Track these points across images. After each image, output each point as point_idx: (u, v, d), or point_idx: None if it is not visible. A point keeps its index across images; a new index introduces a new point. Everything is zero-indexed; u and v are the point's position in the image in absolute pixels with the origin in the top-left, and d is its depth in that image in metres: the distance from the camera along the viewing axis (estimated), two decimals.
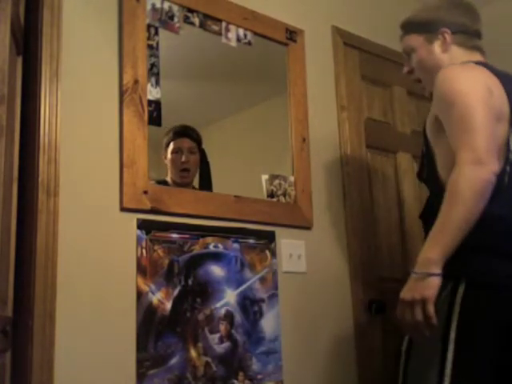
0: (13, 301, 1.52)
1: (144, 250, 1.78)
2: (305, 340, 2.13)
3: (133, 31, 1.88)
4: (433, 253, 1.38)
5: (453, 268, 1.40)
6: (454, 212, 1.37)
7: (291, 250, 2.16)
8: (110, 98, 1.82)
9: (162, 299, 1.78)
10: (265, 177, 2.16)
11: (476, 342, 1.42)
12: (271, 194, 2.15)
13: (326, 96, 2.44)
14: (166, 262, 1.82)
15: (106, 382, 1.65)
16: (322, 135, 2.37)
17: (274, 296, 2.06)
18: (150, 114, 1.88)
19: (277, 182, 2.18)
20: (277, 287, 2.08)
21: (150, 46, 1.92)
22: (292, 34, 2.33)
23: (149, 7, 1.94)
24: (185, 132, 2.09)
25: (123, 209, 1.77)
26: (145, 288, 1.76)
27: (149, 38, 1.92)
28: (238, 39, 2.18)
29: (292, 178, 2.22)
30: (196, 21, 2.07)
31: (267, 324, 2.02)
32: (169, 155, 2.07)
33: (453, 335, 1.40)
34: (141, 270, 1.76)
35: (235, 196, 2.03)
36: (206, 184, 2.10)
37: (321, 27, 2.50)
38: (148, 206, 1.81)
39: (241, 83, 2.28)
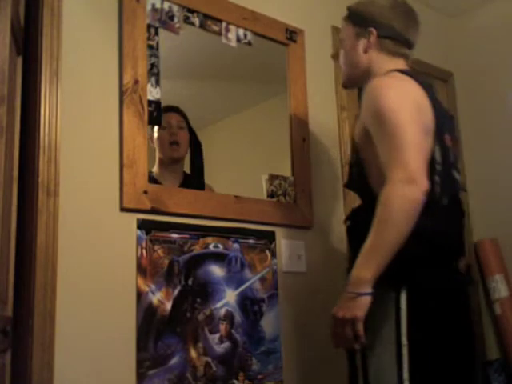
0: (13, 301, 1.52)
1: (144, 250, 1.78)
2: (305, 340, 2.13)
3: (133, 31, 1.87)
4: (364, 272, 1.42)
5: (394, 279, 1.45)
6: (385, 233, 1.40)
7: (291, 250, 2.16)
8: (110, 98, 1.82)
9: (161, 299, 1.78)
10: (265, 177, 2.16)
11: (427, 343, 1.47)
12: (271, 194, 2.15)
13: (326, 96, 2.44)
14: (166, 262, 1.82)
15: (106, 381, 1.65)
16: (322, 135, 2.37)
17: (273, 296, 2.06)
18: (150, 114, 1.88)
19: (277, 182, 2.18)
20: (277, 287, 2.08)
21: (150, 46, 1.92)
22: (292, 34, 2.33)
23: (149, 7, 1.94)
24: (171, 107, 2.04)
25: (123, 209, 1.77)
26: (145, 288, 1.75)
27: (149, 38, 1.92)
28: (238, 39, 2.18)
29: (292, 178, 2.22)
30: (196, 21, 2.07)
31: (267, 324, 2.01)
32: (155, 134, 2.01)
33: (404, 340, 1.45)
34: (141, 270, 1.76)
35: (235, 196, 2.03)
36: (197, 168, 2.06)
37: (321, 27, 2.50)
38: (148, 206, 1.80)
39: (241, 83, 2.28)
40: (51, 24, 1.70)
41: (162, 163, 2.03)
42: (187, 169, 2.09)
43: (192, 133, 2.08)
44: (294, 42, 2.33)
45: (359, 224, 1.55)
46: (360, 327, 1.43)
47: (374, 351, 1.48)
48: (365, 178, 1.62)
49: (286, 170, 2.22)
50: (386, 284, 1.45)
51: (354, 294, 1.43)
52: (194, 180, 2.05)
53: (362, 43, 1.71)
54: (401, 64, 1.69)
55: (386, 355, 1.46)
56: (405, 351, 1.44)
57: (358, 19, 1.73)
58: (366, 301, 1.43)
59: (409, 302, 1.47)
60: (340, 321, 1.45)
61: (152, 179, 1.93)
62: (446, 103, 3.04)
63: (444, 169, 1.57)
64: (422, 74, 2.91)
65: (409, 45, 1.71)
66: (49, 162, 1.63)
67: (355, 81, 1.78)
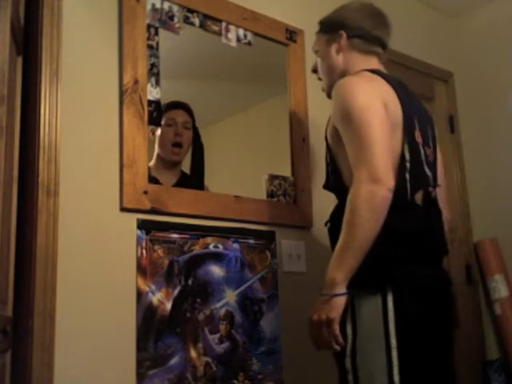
0: (13, 301, 1.52)
1: (144, 250, 1.78)
2: (305, 340, 2.12)
3: (133, 31, 1.88)
4: (337, 274, 1.43)
5: (378, 280, 1.47)
6: (354, 233, 1.42)
7: (291, 250, 2.16)
8: (110, 97, 1.82)
9: (161, 299, 1.78)
10: (265, 177, 2.16)
11: (415, 344, 1.48)
12: (271, 194, 2.15)
13: (326, 96, 2.43)
14: (166, 262, 1.82)
15: (106, 381, 1.65)
16: (322, 135, 2.36)
17: (273, 296, 2.06)
18: (150, 113, 1.88)
19: (277, 182, 2.18)
20: (277, 287, 2.08)
21: (149, 46, 1.92)
22: (292, 34, 2.33)
23: (149, 7, 1.94)
24: (180, 104, 2.02)
25: (123, 209, 1.77)
26: (145, 288, 1.76)
27: (149, 38, 1.92)
28: (238, 39, 2.18)
29: (292, 178, 2.22)
30: (196, 21, 2.07)
31: (267, 324, 2.01)
32: (159, 129, 1.96)
33: (394, 342, 1.45)
34: (141, 270, 1.76)
35: (235, 196, 2.03)
36: (197, 169, 2.04)
37: None
38: (148, 206, 1.80)
39: (241, 83, 2.28)
40: (51, 24, 1.70)
41: (159, 160, 2.01)
42: (186, 168, 2.08)
43: (196, 132, 2.06)
44: (294, 42, 2.33)
45: (336, 224, 1.54)
46: (335, 328, 1.44)
47: (364, 354, 1.48)
48: (339, 177, 1.63)
49: (286, 170, 2.22)
50: (371, 285, 1.47)
51: (328, 296, 1.45)
52: (193, 180, 2.04)
53: (333, 47, 1.74)
54: (374, 62, 1.71)
55: (376, 357, 1.46)
56: (394, 353, 1.45)
57: (327, 27, 1.78)
58: (340, 302, 1.44)
59: (395, 302, 1.47)
60: (316, 323, 1.46)
61: (149, 175, 1.90)
62: (445, 103, 3.05)
63: (414, 166, 1.57)
64: (422, 74, 2.93)
65: (380, 42, 1.74)
66: (49, 162, 1.63)
67: None
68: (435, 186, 1.68)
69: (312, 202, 2.25)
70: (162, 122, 1.97)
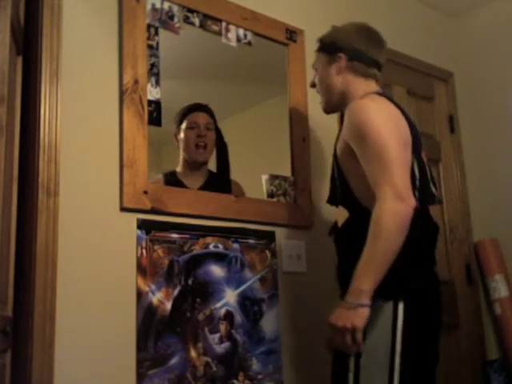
0: (13, 301, 1.52)
1: (144, 250, 1.78)
2: (305, 340, 2.13)
3: (133, 31, 1.88)
4: (364, 284, 1.49)
5: (390, 289, 1.53)
6: (380, 246, 1.49)
7: (291, 250, 2.16)
8: (110, 97, 1.82)
9: (161, 299, 1.78)
10: (265, 177, 2.16)
11: (419, 350, 1.57)
12: (271, 194, 2.15)
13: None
14: (166, 262, 1.82)
15: (106, 381, 1.65)
16: (322, 135, 2.37)
17: (274, 296, 2.06)
18: (150, 113, 1.88)
19: (277, 182, 2.18)
20: (277, 287, 2.08)
21: (149, 46, 1.92)
22: (292, 34, 2.33)
23: (149, 7, 1.94)
24: (201, 106, 2.05)
25: (123, 209, 1.77)
26: (145, 288, 1.76)
27: (149, 38, 1.92)
28: (238, 39, 2.18)
29: (292, 178, 2.22)
30: (196, 21, 2.07)
31: (267, 324, 2.01)
32: (182, 133, 2.02)
33: (398, 348, 1.52)
34: (141, 270, 1.76)
35: (235, 196, 2.03)
36: (223, 167, 2.07)
37: (321, 27, 2.48)
38: (148, 206, 1.80)
39: (241, 83, 2.28)
40: (51, 24, 1.70)
41: (186, 163, 2.04)
42: (213, 167, 2.10)
43: (218, 133, 2.08)
44: (294, 41, 2.33)
45: (350, 236, 1.65)
46: (360, 337, 1.49)
47: (369, 356, 1.53)
48: (351, 191, 1.69)
49: (286, 170, 2.22)
50: (385, 294, 1.53)
51: (353, 305, 1.49)
52: (220, 179, 2.05)
53: (333, 68, 1.81)
54: (373, 85, 1.80)
55: (379, 360, 1.52)
56: (397, 358, 1.51)
57: (328, 48, 1.85)
58: (365, 312, 1.49)
59: (406, 313, 1.54)
60: (340, 330, 1.50)
61: (175, 180, 1.97)
62: (445, 103, 3.05)
63: (422, 183, 1.66)
64: (422, 74, 2.93)
65: (377, 65, 1.82)
66: (49, 162, 1.63)
67: (334, 105, 1.87)
68: (439, 202, 1.78)
69: (312, 202, 2.25)
70: (184, 126, 2.02)
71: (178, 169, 2.06)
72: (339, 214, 1.76)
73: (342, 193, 1.73)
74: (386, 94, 1.77)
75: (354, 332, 1.48)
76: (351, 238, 1.65)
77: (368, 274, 1.49)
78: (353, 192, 1.69)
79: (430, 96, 2.98)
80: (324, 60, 1.85)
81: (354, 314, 1.48)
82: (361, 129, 1.61)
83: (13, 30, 1.48)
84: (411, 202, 1.52)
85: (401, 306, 1.54)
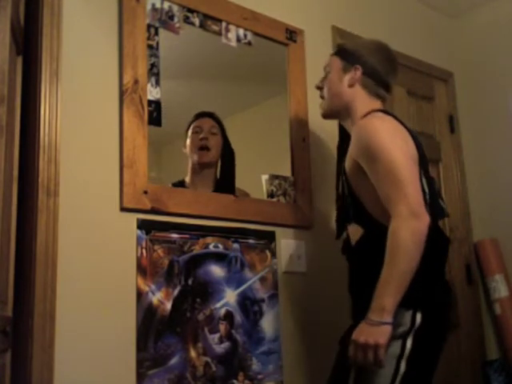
0: (13, 301, 1.52)
1: (144, 250, 1.78)
2: (305, 340, 2.13)
3: (133, 31, 1.88)
4: (386, 302, 1.50)
5: (411, 300, 1.54)
6: (399, 264, 1.51)
7: (291, 250, 2.16)
8: (110, 97, 1.82)
9: (161, 299, 1.78)
10: (265, 177, 2.16)
11: (425, 358, 1.60)
12: (271, 194, 2.15)
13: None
14: (166, 262, 1.82)
15: (106, 381, 1.65)
16: (322, 135, 2.37)
17: (274, 296, 2.06)
18: (150, 113, 1.88)
19: (277, 182, 2.18)
20: (277, 287, 2.08)
21: (149, 46, 1.92)
22: (292, 34, 2.33)
23: (149, 7, 1.94)
24: (207, 112, 2.07)
25: (123, 209, 1.77)
26: (145, 288, 1.76)
27: (149, 38, 1.92)
28: (238, 39, 2.18)
29: (292, 178, 2.22)
30: (196, 21, 2.07)
31: (267, 324, 2.01)
32: (188, 140, 2.04)
33: (407, 353, 1.54)
34: (141, 270, 1.76)
35: (235, 196, 2.03)
36: (227, 173, 2.07)
37: (321, 27, 2.50)
38: (148, 206, 1.80)
39: (241, 83, 2.28)
40: (51, 24, 1.70)
41: (193, 170, 2.06)
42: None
43: (225, 140, 2.09)
44: (294, 41, 2.33)
45: (369, 253, 1.66)
46: (382, 353, 1.49)
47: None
48: (364, 207, 1.70)
49: (286, 170, 2.22)
50: (404, 305, 1.54)
51: (376, 322, 1.50)
52: (224, 188, 2.05)
53: (348, 76, 1.82)
54: (379, 104, 1.80)
55: (386, 364, 1.52)
56: (403, 363, 1.53)
57: (346, 55, 1.85)
58: (388, 329, 1.50)
59: (422, 323, 1.56)
60: (362, 346, 1.50)
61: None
62: (445, 103, 3.05)
63: (432, 199, 1.68)
64: (422, 74, 2.93)
65: (387, 88, 1.83)
66: (49, 162, 1.63)
67: (335, 112, 1.87)
68: (448, 216, 1.82)
69: (312, 202, 2.25)
70: (190, 132, 2.04)
71: (187, 178, 2.06)
72: (351, 231, 1.75)
73: (354, 210, 1.73)
74: (390, 112, 1.79)
75: (376, 349, 1.49)
76: (367, 255, 1.67)
77: (389, 291, 1.50)
78: (366, 208, 1.69)
79: (430, 96, 2.98)
80: (339, 66, 1.84)
81: (377, 331, 1.49)
82: (370, 147, 1.62)
83: (13, 30, 1.48)
84: (426, 219, 1.53)
85: (419, 316, 1.56)
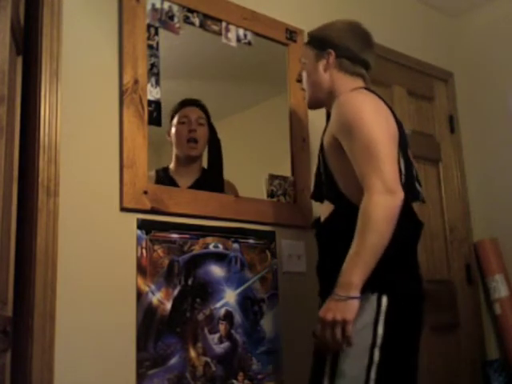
0: (13, 301, 1.52)
1: (144, 250, 1.78)
2: (305, 340, 2.12)
3: (133, 31, 1.88)
4: (354, 277, 1.47)
5: (376, 283, 1.51)
6: (370, 239, 1.47)
7: (291, 250, 2.16)
8: (110, 97, 1.82)
9: (161, 299, 1.78)
10: (265, 177, 2.16)
11: (399, 345, 1.56)
12: (271, 194, 2.15)
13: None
14: (166, 262, 1.82)
15: (106, 381, 1.65)
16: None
17: (274, 296, 2.06)
18: (150, 113, 1.88)
19: (277, 182, 2.18)
20: (277, 287, 2.08)
21: (150, 46, 1.92)
22: (292, 34, 2.33)
23: (149, 7, 1.94)
24: (193, 101, 2.03)
25: (123, 209, 1.77)
26: (145, 288, 1.76)
27: (149, 38, 1.92)
28: (238, 39, 2.18)
29: (292, 178, 2.22)
30: (196, 21, 2.07)
31: (267, 324, 2.02)
32: (173, 129, 2.00)
33: (379, 341, 1.51)
34: (141, 270, 1.76)
35: (235, 196, 2.03)
36: (215, 163, 2.05)
37: None
38: (148, 206, 1.81)
39: (241, 83, 2.28)
40: (51, 24, 1.70)
41: (178, 160, 2.03)
42: (206, 164, 2.09)
43: (211, 129, 2.07)
44: (294, 42, 2.33)
45: (335, 230, 1.64)
46: (350, 329, 1.47)
47: (349, 348, 1.51)
48: (337, 186, 1.67)
49: (286, 170, 2.22)
50: (370, 288, 1.51)
51: (343, 297, 1.47)
52: (212, 177, 2.04)
53: (321, 64, 1.79)
54: (360, 83, 1.78)
55: (360, 354, 1.50)
56: (377, 352, 1.50)
57: (317, 43, 1.83)
58: (355, 304, 1.47)
59: (388, 306, 1.53)
60: (330, 323, 1.48)
61: (167, 176, 1.95)
62: (445, 103, 3.05)
63: (408, 180, 1.65)
64: (422, 74, 2.93)
65: (365, 65, 1.80)
66: (49, 162, 1.63)
67: (319, 101, 1.85)
68: (423, 200, 1.77)
69: (312, 202, 2.25)
70: (175, 121, 2.00)
71: (171, 165, 2.04)
72: (323, 209, 1.73)
73: (327, 187, 1.71)
74: (373, 90, 1.75)
75: (343, 325, 1.46)
76: (335, 233, 1.64)
77: (357, 266, 1.47)
78: (339, 187, 1.66)
79: (429, 96, 2.98)
80: (312, 55, 1.82)
81: (344, 307, 1.46)
82: (350, 121, 1.59)
83: (13, 30, 1.48)
84: (400, 195, 1.50)
85: (384, 300, 1.53)
